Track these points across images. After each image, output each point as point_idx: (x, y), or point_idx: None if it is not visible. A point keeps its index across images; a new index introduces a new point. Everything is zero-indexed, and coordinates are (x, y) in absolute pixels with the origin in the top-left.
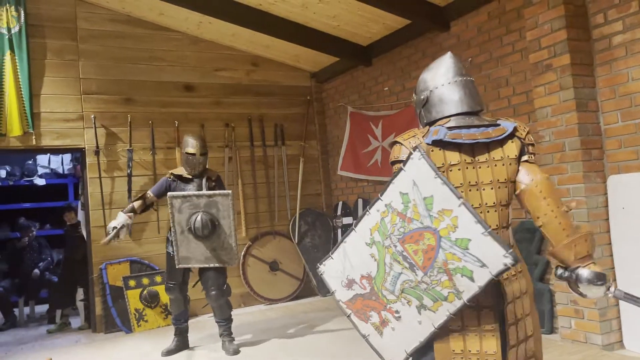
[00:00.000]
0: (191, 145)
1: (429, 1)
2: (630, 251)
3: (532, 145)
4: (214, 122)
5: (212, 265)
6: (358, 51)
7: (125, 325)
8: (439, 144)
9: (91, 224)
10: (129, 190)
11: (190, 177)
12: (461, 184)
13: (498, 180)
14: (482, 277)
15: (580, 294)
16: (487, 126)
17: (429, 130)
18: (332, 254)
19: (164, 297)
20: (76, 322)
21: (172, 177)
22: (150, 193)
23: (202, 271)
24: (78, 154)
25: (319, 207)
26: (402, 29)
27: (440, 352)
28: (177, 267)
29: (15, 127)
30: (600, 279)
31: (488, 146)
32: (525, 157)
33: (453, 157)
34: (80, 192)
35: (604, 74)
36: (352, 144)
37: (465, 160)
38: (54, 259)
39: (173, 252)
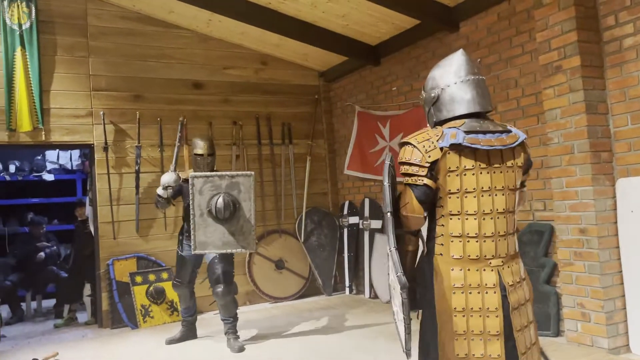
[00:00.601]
0: (199, 146)
1: (439, 1)
2: (639, 255)
3: (530, 165)
4: (222, 120)
5: (229, 251)
6: (367, 51)
7: (131, 321)
8: (456, 147)
9: (99, 219)
10: (137, 187)
11: None
12: (474, 188)
13: (508, 186)
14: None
15: None
16: (501, 132)
17: (442, 132)
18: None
19: (170, 294)
20: (83, 317)
21: (182, 179)
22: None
23: (210, 268)
24: (87, 150)
25: (326, 206)
26: (412, 29)
27: (445, 355)
28: (193, 252)
29: (25, 123)
30: None
31: (502, 152)
32: (524, 178)
33: (468, 161)
34: (88, 188)
35: (614, 77)
36: (359, 144)
37: (480, 165)
38: (62, 254)
39: (182, 252)
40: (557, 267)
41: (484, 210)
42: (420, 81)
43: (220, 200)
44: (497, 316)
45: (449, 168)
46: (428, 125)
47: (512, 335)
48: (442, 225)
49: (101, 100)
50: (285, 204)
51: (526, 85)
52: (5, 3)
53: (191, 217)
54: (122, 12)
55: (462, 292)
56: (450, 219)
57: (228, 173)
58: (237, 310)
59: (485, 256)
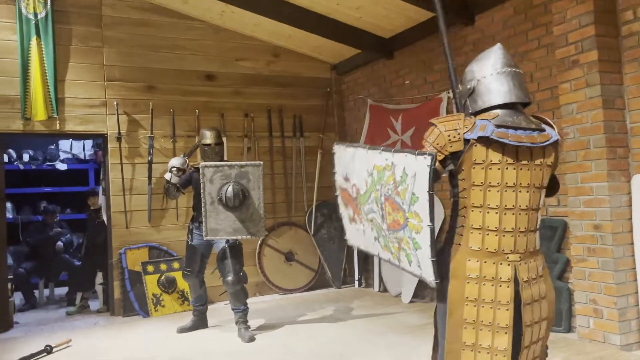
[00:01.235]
0: (206, 136)
1: None
2: None
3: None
4: (234, 112)
5: (239, 237)
6: (380, 43)
7: (142, 310)
8: (484, 140)
9: (112, 209)
10: (149, 177)
11: None
12: (498, 183)
13: (534, 184)
14: (414, 272)
15: None
16: (533, 130)
17: (474, 123)
18: (348, 145)
19: (181, 283)
20: (95, 305)
21: (192, 169)
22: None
23: (219, 258)
24: (100, 140)
25: (336, 200)
26: (426, 22)
27: (452, 341)
28: (205, 238)
29: (40, 112)
30: None
31: (531, 150)
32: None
33: (495, 155)
34: (101, 178)
35: (632, 72)
36: (371, 137)
37: (507, 160)
38: (74, 243)
39: (192, 241)
40: (569, 263)
41: (506, 205)
42: (434, 74)
43: (230, 189)
44: (507, 310)
45: (475, 160)
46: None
47: (520, 329)
48: (463, 216)
49: (115, 91)
50: (296, 197)
51: (542, 79)
52: None
53: (202, 205)
54: (136, 2)
55: (476, 283)
56: (472, 211)
57: (237, 163)
58: (248, 301)
59: (503, 250)
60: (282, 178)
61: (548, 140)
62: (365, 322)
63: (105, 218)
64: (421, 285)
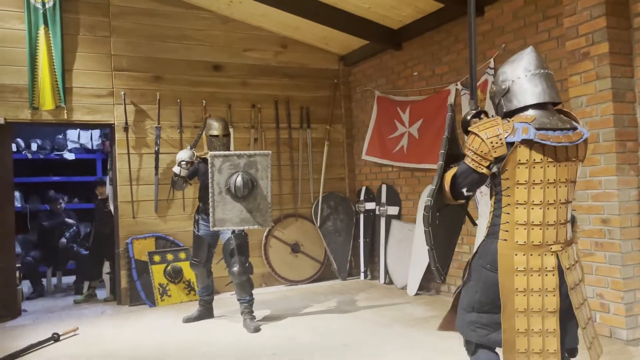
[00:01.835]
0: (214, 127)
1: None
2: None
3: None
4: (241, 103)
5: (246, 227)
6: (388, 34)
7: (149, 299)
8: (527, 142)
9: (119, 199)
10: (156, 167)
11: None
12: (541, 180)
13: (570, 179)
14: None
15: None
16: (568, 129)
17: (514, 127)
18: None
19: (188, 273)
20: (102, 293)
21: (199, 159)
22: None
23: (225, 249)
24: (107, 130)
25: (342, 192)
26: (435, 13)
27: (507, 330)
28: (212, 229)
29: (47, 101)
30: None
31: (567, 148)
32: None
33: (537, 155)
34: (109, 168)
35: None
36: (378, 129)
37: (547, 159)
38: (82, 232)
39: (198, 231)
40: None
41: (548, 201)
42: (442, 66)
43: (240, 178)
44: (554, 295)
45: (519, 160)
46: (493, 114)
47: (571, 312)
48: (508, 213)
49: (122, 80)
50: (302, 189)
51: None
52: None
53: (210, 195)
54: None
55: (524, 275)
56: (517, 207)
57: (246, 152)
58: (253, 291)
59: (547, 242)
60: (288, 169)
61: (582, 138)
62: (371, 314)
63: (112, 208)
64: (427, 277)
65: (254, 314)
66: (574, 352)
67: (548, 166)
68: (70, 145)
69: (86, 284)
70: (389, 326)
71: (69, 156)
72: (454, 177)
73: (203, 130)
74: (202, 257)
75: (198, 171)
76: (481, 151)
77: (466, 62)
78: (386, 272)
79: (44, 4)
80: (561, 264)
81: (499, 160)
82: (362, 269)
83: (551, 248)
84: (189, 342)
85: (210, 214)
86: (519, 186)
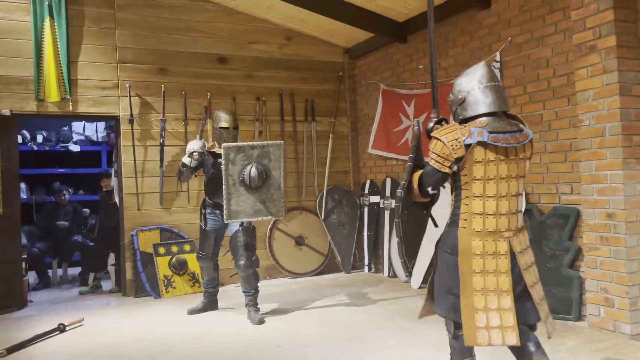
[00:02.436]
0: (224, 119)
1: None
2: None
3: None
4: (246, 95)
5: (259, 218)
6: (394, 27)
7: (154, 291)
8: (482, 143)
9: (124, 191)
10: (161, 160)
11: (220, 153)
12: (494, 176)
13: (519, 174)
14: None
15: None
16: (516, 131)
17: (470, 131)
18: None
19: (192, 265)
20: (107, 285)
21: (206, 152)
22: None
23: (232, 241)
24: (112, 122)
25: (347, 185)
26: (441, 6)
27: (466, 306)
28: (226, 222)
29: (53, 93)
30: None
31: (516, 148)
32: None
33: (491, 154)
34: (114, 160)
35: None
36: (383, 122)
37: (499, 157)
38: (88, 223)
39: (205, 226)
40: (581, 251)
41: (501, 194)
42: (448, 59)
43: (254, 169)
44: (507, 276)
45: (476, 159)
46: (452, 120)
47: (527, 290)
48: (467, 204)
49: (127, 73)
50: (307, 181)
51: (558, 65)
52: None
53: (224, 187)
54: None
55: (481, 258)
56: (474, 200)
57: (259, 143)
58: (258, 284)
59: (500, 229)
60: (293, 163)
61: (527, 139)
62: (374, 307)
63: (117, 200)
64: (431, 271)
65: (258, 306)
66: (533, 327)
67: (500, 164)
68: (76, 137)
69: (91, 276)
70: (392, 320)
71: (74, 148)
72: (421, 177)
73: (205, 120)
74: (208, 251)
75: (204, 163)
76: (443, 153)
77: (472, 54)
78: (390, 265)
79: None
80: (513, 249)
81: (458, 160)
82: (366, 262)
83: (504, 234)
84: (194, 333)
85: (225, 207)
86: (476, 181)
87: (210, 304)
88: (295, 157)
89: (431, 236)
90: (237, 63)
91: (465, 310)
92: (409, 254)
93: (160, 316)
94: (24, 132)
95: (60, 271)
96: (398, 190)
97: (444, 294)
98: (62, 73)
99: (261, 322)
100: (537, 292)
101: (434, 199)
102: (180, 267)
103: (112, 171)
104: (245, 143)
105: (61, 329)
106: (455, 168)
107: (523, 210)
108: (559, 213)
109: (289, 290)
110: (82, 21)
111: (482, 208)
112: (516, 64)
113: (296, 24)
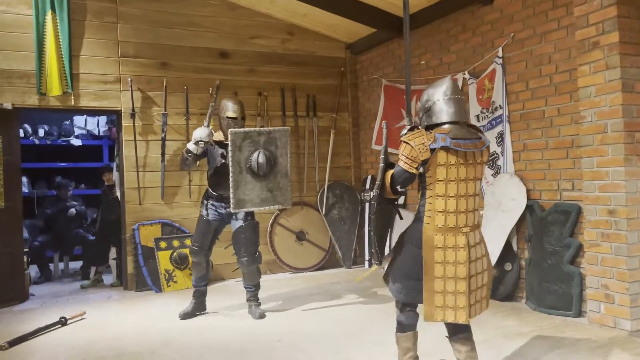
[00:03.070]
0: (232, 109)
1: None
2: None
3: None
4: (248, 90)
5: (266, 207)
6: (396, 22)
7: (155, 285)
8: (445, 148)
9: (125, 185)
10: (163, 154)
11: (227, 142)
12: (455, 178)
13: (477, 177)
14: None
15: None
16: (475, 139)
17: (435, 137)
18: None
19: None
20: (108, 279)
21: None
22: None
23: (235, 237)
24: (114, 117)
25: (348, 180)
26: (442, 1)
27: (428, 290)
28: (232, 211)
29: (55, 87)
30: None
31: (474, 153)
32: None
33: (453, 158)
34: (115, 154)
35: None
36: (385, 118)
37: (459, 161)
38: (89, 217)
39: (207, 216)
40: (582, 247)
41: (460, 194)
42: (450, 55)
43: (262, 155)
44: (464, 266)
45: (439, 162)
46: (420, 126)
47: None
48: (430, 203)
49: (129, 67)
50: (308, 177)
51: (560, 61)
52: None
53: (231, 174)
54: None
55: (442, 250)
56: (437, 199)
57: (265, 129)
58: (260, 279)
59: (459, 225)
60: (294, 158)
61: (484, 146)
62: (375, 302)
63: (119, 194)
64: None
65: (259, 301)
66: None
67: (460, 167)
68: (77, 132)
69: (93, 270)
70: (392, 315)
71: (76, 142)
72: (392, 177)
73: (215, 102)
74: (204, 244)
75: (210, 152)
76: (411, 155)
77: (474, 50)
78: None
79: None
80: (469, 243)
81: (424, 162)
82: (366, 257)
83: (462, 230)
84: (194, 327)
85: (232, 195)
86: (439, 182)
87: (201, 304)
88: (297, 153)
89: (398, 228)
90: (239, 58)
91: (426, 294)
92: (380, 246)
93: (161, 310)
94: (26, 126)
95: (61, 265)
96: (374, 190)
97: (405, 278)
98: (63, 67)
99: (262, 316)
100: (477, 280)
101: (402, 195)
102: (181, 262)
103: (114, 165)
104: (252, 129)
105: (63, 322)
106: (421, 169)
107: (480, 210)
108: (560, 209)
109: (290, 285)
110: (84, 15)
111: (444, 206)
112: (518, 60)
113: (298, 19)
